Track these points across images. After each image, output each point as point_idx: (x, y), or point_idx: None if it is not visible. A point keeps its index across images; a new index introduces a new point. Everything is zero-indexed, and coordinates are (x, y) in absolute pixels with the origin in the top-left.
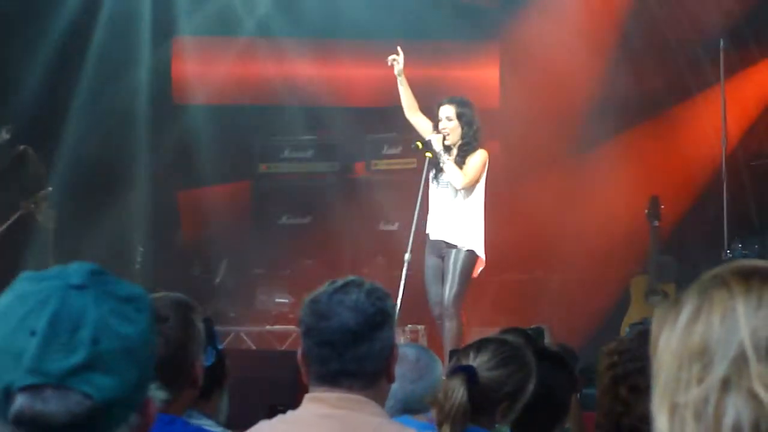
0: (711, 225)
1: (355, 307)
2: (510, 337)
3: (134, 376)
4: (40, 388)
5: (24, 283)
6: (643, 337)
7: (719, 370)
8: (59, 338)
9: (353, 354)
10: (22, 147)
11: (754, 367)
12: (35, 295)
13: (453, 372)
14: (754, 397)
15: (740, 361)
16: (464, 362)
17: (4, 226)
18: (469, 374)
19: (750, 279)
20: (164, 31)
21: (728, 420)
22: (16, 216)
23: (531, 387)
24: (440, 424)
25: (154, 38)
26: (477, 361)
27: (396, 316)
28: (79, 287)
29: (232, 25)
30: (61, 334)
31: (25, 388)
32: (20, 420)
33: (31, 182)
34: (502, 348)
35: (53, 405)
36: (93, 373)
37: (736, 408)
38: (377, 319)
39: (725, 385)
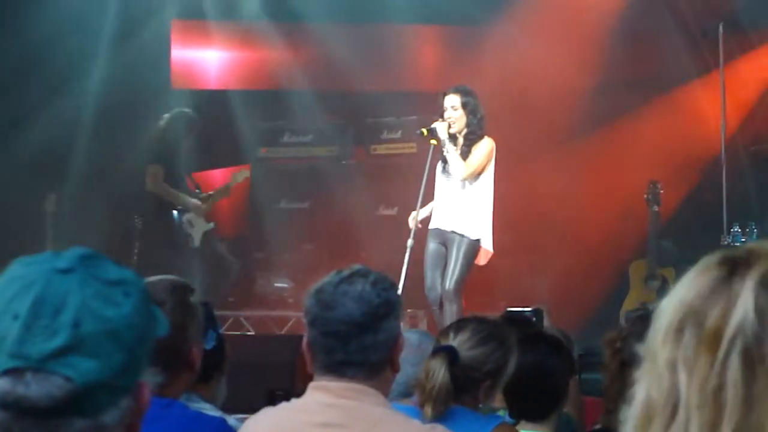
0: (710, 209)
1: (360, 297)
2: (488, 317)
3: (119, 359)
4: (22, 371)
5: (15, 268)
6: (643, 320)
7: None
8: (41, 321)
9: (358, 344)
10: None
11: None
12: (22, 279)
13: (434, 353)
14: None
15: None
16: (444, 342)
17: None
18: (449, 354)
19: None
20: (163, 14)
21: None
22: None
23: (512, 365)
24: (422, 405)
25: (152, 23)
26: (457, 341)
27: (401, 306)
28: (65, 271)
29: (231, 9)
30: (43, 317)
31: (6, 372)
32: (3, 403)
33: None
34: (481, 327)
35: (34, 388)
36: (74, 356)
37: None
38: (382, 310)
39: None
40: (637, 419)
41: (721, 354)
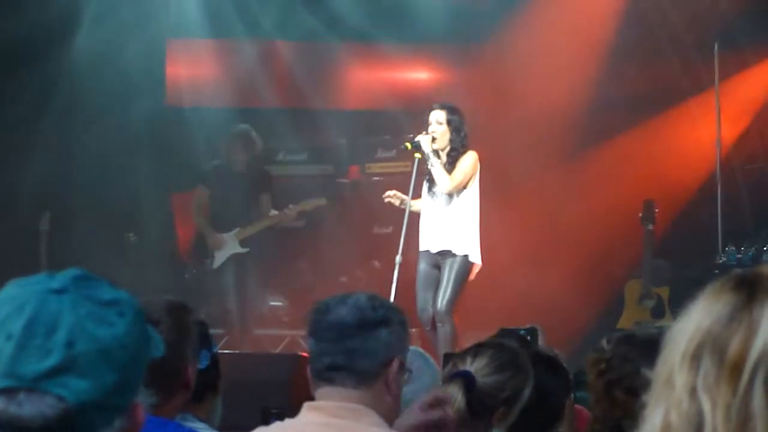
0: (705, 229)
1: (354, 305)
2: (507, 342)
3: (112, 379)
4: (15, 391)
5: (8, 288)
6: (629, 341)
7: None
8: (34, 341)
9: (343, 346)
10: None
11: None
12: (16, 299)
13: (450, 378)
14: None
15: None
16: (461, 367)
17: (257, 229)
18: (466, 380)
19: None
20: (159, 32)
21: None
22: (272, 222)
23: (528, 392)
24: None
25: (148, 39)
26: (474, 366)
27: (401, 328)
28: (58, 291)
29: (226, 27)
30: (37, 337)
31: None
32: None
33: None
34: (499, 353)
35: (27, 408)
36: (67, 375)
37: None
38: (373, 318)
39: None
40: None
41: (743, 382)
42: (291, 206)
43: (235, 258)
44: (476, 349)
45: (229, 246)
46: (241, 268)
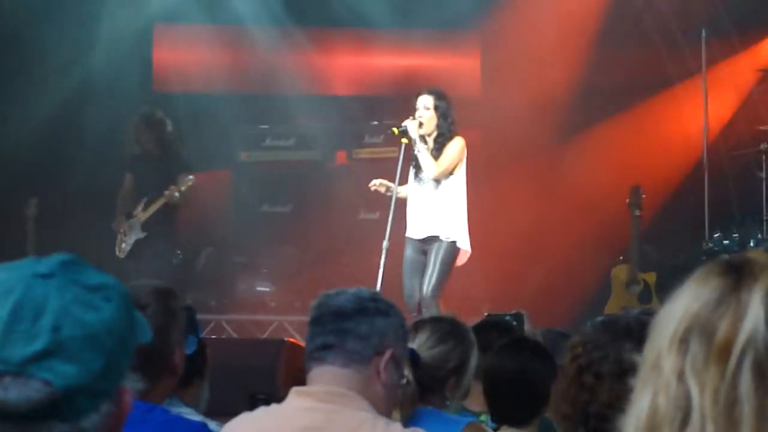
0: (692, 214)
1: (355, 294)
2: (444, 314)
3: (99, 364)
4: (1, 375)
5: None
6: (605, 326)
7: None
8: (20, 326)
9: (337, 327)
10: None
11: None
12: (2, 284)
13: None
14: None
15: None
16: None
17: (150, 213)
18: (411, 356)
19: None
20: (145, 17)
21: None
22: (160, 204)
23: (474, 360)
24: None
25: (134, 25)
26: (416, 342)
27: (399, 327)
28: (45, 276)
29: (214, 12)
30: (23, 321)
31: None
32: None
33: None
34: (438, 325)
35: (13, 392)
36: (54, 360)
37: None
38: (370, 306)
39: None
40: (642, 426)
41: (731, 365)
42: (172, 187)
43: (139, 244)
44: (416, 325)
45: (133, 233)
46: (146, 254)
